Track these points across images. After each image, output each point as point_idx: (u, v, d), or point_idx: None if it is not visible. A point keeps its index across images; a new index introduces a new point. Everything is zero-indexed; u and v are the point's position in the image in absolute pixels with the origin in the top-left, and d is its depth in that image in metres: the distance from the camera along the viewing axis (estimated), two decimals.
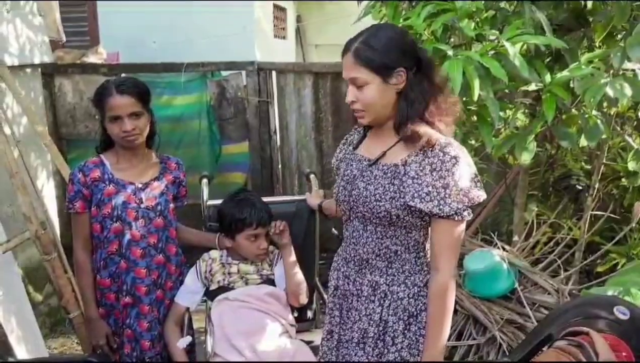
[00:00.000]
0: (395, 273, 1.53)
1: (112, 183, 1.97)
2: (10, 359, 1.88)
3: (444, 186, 1.41)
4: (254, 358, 1.90)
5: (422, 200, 1.42)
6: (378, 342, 1.53)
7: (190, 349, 2.15)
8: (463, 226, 1.47)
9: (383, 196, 1.47)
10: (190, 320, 2.19)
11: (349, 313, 1.59)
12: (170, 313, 2.09)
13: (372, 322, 1.53)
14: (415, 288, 1.52)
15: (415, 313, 1.51)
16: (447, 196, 1.41)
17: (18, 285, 2.64)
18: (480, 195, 1.45)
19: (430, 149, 1.43)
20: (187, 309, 2.13)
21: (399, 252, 1.52)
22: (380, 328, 1.53)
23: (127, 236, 1.99)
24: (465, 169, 1.43)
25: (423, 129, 1.44)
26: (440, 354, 1.46)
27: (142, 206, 2.00)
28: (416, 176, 1.44)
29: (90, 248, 2.03)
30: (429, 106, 1.45)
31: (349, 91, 1.48)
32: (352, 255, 1.59)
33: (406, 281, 1.52)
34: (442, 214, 1.41)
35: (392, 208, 1.46)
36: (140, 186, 2.01)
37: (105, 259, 2.01)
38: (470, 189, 1.43)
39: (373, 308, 1.54)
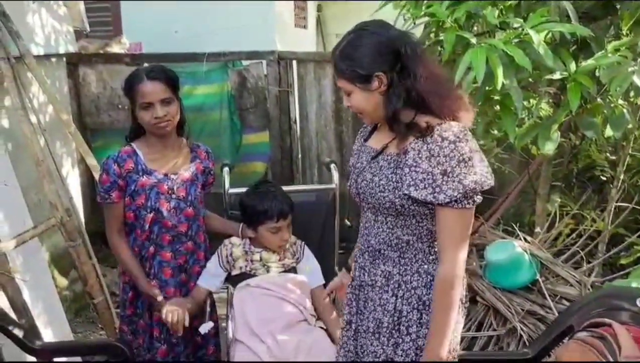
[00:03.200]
0: (408, 263, 1.51)
1: (145, 173, 2.00)
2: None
3: (441, 172, 1.37)
4: (274, 345, 1.92)
5: (417, 188, 1.40)
6: (393, 331, 1.52)
7: (215, 333, 2.19)
8: (467, 214, 1.41)
9: (386, 187, 1.46)
10: (213, 305, 2.22)
11: (366, 304, 1.59)
12: (191, 294, 2.12)
13: (386, 312, 1.53)
14: (429, 277, 1.50)
15: (428, 302, 1.50)
16: (443, 183, 1.37)
17: (44, 270, 2.70)
18: (484, 181, 1.38)
19: (430, 135, 1.40)
20: (210, 293, 2.16)
21: (411, 242, 1.50)
22: (395, 318, 1.52)
23: (160, 225, 2.03)
24: (465, 155, 1.37)
25: (421, 119, 1.42)
26: (441, 348, 1.42)
27: (174, 196, 2.03)
28: (414, 164, 1.41)
29: (124, 234, 2.07)
30: (429, 98, 1.42)
31: (344, 98, 1.52)
32: (366, 246, 1.59)
33: (419, 270, 1.51)
34: (438, 203, 1.39)
35: (395, 198, 1.44)
36: (172, 176, 2.04)
37: (139, 245, 2.06)
38: (469, 175, 1.36)
39: (387, 298, 1.53)
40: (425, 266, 1.50)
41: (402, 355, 1.51)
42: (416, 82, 1.41)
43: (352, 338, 1.63)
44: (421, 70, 1.42)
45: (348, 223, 1.80)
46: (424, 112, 1.44)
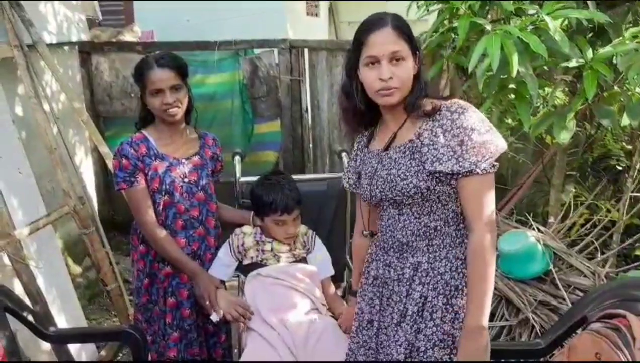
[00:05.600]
0: (437, 249, 1.52)
1: (158, 158, 2.03)
2: (51, 328, 1.95)
3: (459, 143, 1.41)
4: (284, 332, 1.93)
5: (440, 162, 1.43)
6: (417, 317, 1.51)
7: (226, 321, 2.20)
8: (489, 180, 1.44)
9: (407, 173, 1.47)
10: None
11: (390, 300, 1.58)
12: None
13: (411, 301, 1.52)
14: (458, 261, 1.50)
15: (458, 286, 1.49)
16: (464, 151, 1.41)
17: (58, 257, 2.73)
18: (499, 145, 1.43)
19: (438, 113, 1.46)
20: (222, 282, 2.17)
21: (438, 227, 1.51)
22: (420, 305, 1.51)
23: (173, 209, 2.05)
24: (476, 123, 1.42)
25: (427, 102, 1.50)
26: (482, 317, 1.40)
27: (185, 180, 2.06)
28: (430, 143, 1.45)
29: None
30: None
31: (384, 67, 1.43)
32: (391, 242, 1.58)
33: (448, 255, 1.51)
34: (463, 171, 1.41)
35: (419, 181, 1.46)
36: (183, 160, 2.07)
37: None
38: (485, 141, 1.41)
39: (414, 287, 1.52)
40: (454, 251, 1.51)
41: (423, 340, 1.49)
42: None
43: (374, 336, 1.62)
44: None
45: (365, 232, 1.79)
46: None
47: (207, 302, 2.01)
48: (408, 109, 1.50)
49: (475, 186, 1.43)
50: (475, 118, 1.43)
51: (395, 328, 1.54)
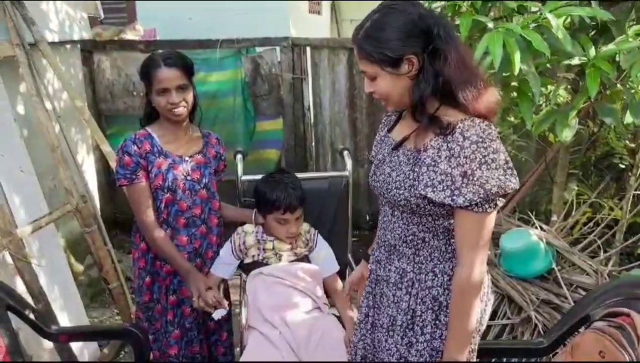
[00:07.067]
0: (423, 261, 1.46)
1: (161, 155, 2.02)
2: (54, 326, 1.95)
3: (461, 174, 1.28)
4: (286, 331, 1.93)
5: (434, 189, 1.32)
6: (407, 330, 1.48)
7: (228, 319, 2.20)
8: (488, 218, 1.32)
9: (402, 184, 1.40)
10: (227, 291, 2.23)
11: (381, 299, 1.56)
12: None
13: (400, 310, 1.49)
14: (445, 277, 1.44)
15: (445, 303, 1.44)
16: (462, 185, 1.28)
17: (60, 256, 2.73)
18: (506, 185, 1.29)
19: (451, 133, 1.31)
20: (224, 280, 2.17)
21: (426, 239, 1.44)
22: (409, 317, 1.48)
23: (176, 207, 2.05)
24: (488, 157, 1.27)
25: (445, 112, 1.34)
26: (459, 354, 1.39)
27: (188, 178, 2.05)
28: (432, 163, 1.34)
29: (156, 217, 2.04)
30: (457, 87, 1.31)
31: (365, 82, 1.42)
32: (383, 240, 1.55)
33: (434, 269, 1.45)
34: (455, 206, 1.31)
35: (410, 196, 1.38)
36: (186, 158, 2.07)
37: None
38: (490, 179, 1.27)
39: (400, 296, 1.49)
40: (441, 266, 1.44)
41: (416, 355, 1.47)
42: (446, 66, 1.30)
43: (370, 332, 1.61)
44: (453, 54, 1.31)
45: (367, 217, 1.78)
46: (447, 104, 1.34)
47: (195, 299, 1.96)
48: (416, 119, 1.39)
49: (468, 222, 1.32)
50: (489, 150, 1.28)
51: (386, 335, 1.52)
